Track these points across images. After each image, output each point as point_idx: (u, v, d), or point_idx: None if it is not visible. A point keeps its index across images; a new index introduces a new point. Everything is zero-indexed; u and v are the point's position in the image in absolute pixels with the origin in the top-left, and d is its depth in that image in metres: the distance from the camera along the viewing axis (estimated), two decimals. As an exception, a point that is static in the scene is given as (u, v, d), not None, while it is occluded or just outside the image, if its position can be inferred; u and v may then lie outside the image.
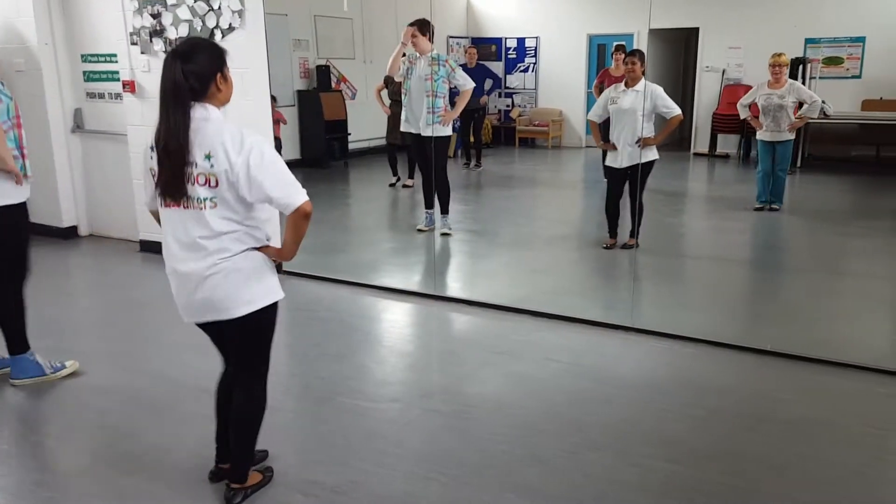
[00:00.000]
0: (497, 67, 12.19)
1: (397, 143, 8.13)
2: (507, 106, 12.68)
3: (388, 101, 8.47)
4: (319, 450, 2.93)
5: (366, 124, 9.91)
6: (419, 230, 6.44)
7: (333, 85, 10.24)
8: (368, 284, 5.01)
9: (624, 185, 5.71)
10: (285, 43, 9.59)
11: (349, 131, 10.13)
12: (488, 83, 10.03)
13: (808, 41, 10.04)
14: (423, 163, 6.31)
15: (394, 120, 7.66)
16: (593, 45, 11.91)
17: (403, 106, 6.23)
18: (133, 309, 4.70)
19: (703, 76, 11.00)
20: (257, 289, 2.34)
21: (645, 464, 2.80)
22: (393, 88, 8.13)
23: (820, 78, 9.69)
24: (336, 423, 3.14)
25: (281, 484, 2.66)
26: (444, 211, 6.28)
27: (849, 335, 4.18)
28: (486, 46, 12.36)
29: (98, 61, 6.01)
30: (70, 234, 6.34)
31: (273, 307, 2.41)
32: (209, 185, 2.21)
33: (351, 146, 10.22)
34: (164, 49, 5.25)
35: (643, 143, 5.41)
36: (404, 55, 6.07)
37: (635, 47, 7.64)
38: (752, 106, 7.05)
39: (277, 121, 7.41)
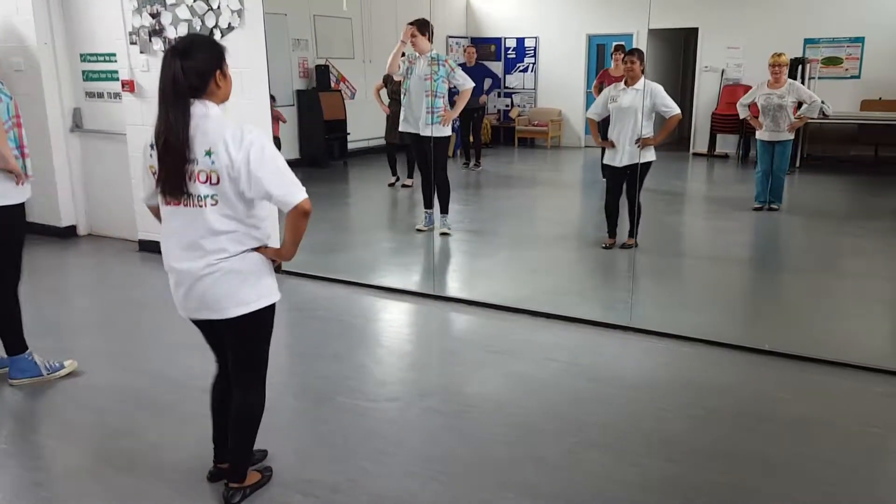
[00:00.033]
0: (496, 67, 12.18)
1: (396, 142, 8.12)
2: (507, 106, 12.68)
3: (387, 101, 8.46)
4: (318, 449, 2.93)
5: (365, 124, 9.90)
6: (418, 230, 6.44)
7: (333, 85, 10.23)
8: (367, 284, 5.01)
9: (623, 184, 5.71)
10: (284, 42, 9.58)
11: (348, 131, 10.12)
12: (487, 82, 10.02)
13: (808, 41, 10.04)
14: (422, 162, 6.31)
15: (393, 119, 7.65)
16: (592, 45, 11.92)
17: (402, 106, 6.22)
18: (132, 308, 4.70)
19: (702, 76, 11.01)
20: (253, 291, 2.33)
21: (644, 463, 2.80)
22: (392, 87, 8.12)
23: (819, 78, 9.69)
24: (335, 422, 3.14)
25: (280, 483, 2.66)
26: (444, 210, 6.28)
27: (847, 335, 4.19)
28: (485, 46, 12.36)
29: (97, 61, 6.01)
30: (69, 233, 6.34)
31: (270, 309, 2.40)
32: (210, 183, 2.21)
33: (350, 146, 10.21)
34: (163, 49, 5.25)
35: (642, 143, 5.42)
36: (404, 55, 6.07)
37: (634, 46, 7.64)
38: (752, 106, 7.06)
39: (276, 118, 7.40)
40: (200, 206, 2.23)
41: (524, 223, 7.39)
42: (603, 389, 3.46)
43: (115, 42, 5.61)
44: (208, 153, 2.19)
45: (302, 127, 9.92)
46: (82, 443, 3.02)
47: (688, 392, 3.43)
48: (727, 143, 10.78)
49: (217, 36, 4.97)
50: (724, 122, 10.40)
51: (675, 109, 5.46)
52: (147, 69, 5.42)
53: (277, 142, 6.98)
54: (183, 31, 5.16)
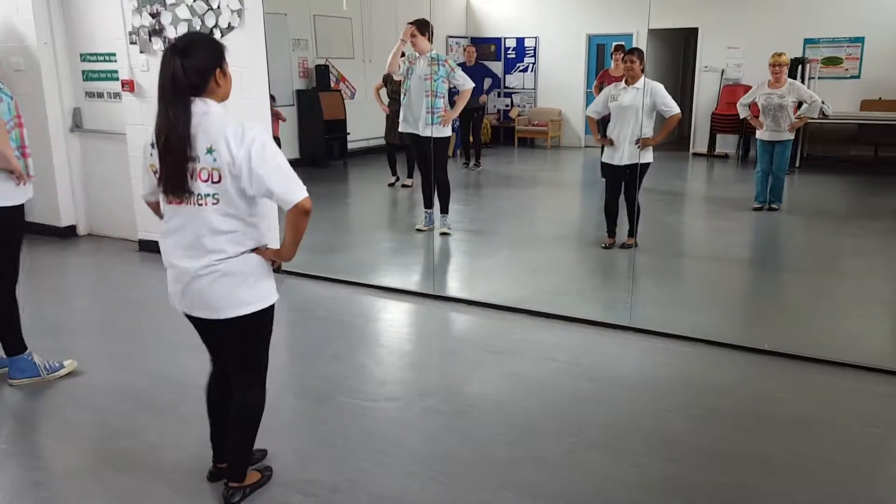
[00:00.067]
0: (496, 67, 12.18)
1: (396, 143, 8.12)
2: (507, 106, 12.67)
3: (386, 100, 8.46)
4: (318, 449, 2.93)
5: (365, 124, 9.89)
6: (418, 230, 6.44)
7: (332, 84, 10.24)
8: (367, 284, 5.01)
9: (622, 183, 5.71)
10: (284, 42, 9.58)
11: (348, 131, 10.12)
12: (487, 82, 10.02)
13: (807, 41, 10.05)
14: (422, 162, 6.31)
15: (393, 119, 7.65)
16: (592, 45, 11.92)
17: (402, 106, 6.22)
18: (132, 308, 4.69)
19: (702, 76, 11.01)
20: (250, 293, 2.33)
21: (644, 463, 2.80)
22: (392, 87, 8.11)
23: (819, 78, 9.69)
24: (335, 422, 3.14)
25: (280, 483, 2.66)
26: (444, 210, 6.28)
27: (847, 335, 4.19)
28: (485, 46, 12.35)
29: (97, 60, 6.01)
30: (69, 233, 6.34)
31: (268, 310, 2.40)
32: (211, 181, 2.20)
33: (350, 146, 10.21)
34: (163, 48, 5.24)
35: (642, 143, 5.42)
36: (403, 55, 6.07)
37: (634, 46, 7.64)
38: (753, 105, 7.06)
39: (276, 115, 7.39)
40: (201, 205, 2.23)
41: (524, 223, 7.39)
42: (603, 389, 3.46)
43: (114, 42, 5.60)
44: (210, 150, 2.18)
45: (302, 127, 9.92)
46: (82, 443, 3.02)
47: (688, 392, 3.43)
48: (727, 143, 10.79)
49: (217, 36, 4.97)
50: (724, 122, 10.41)
51: (675, 109, 5.46)
52: (147, 69, 5.42)
53: (277, 141, 6.93)
54: (183, 30, 5.15)
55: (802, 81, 8.33)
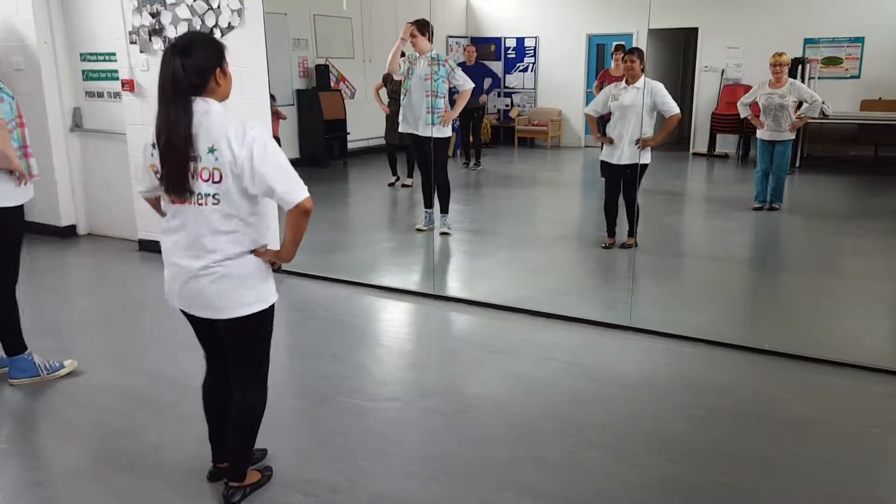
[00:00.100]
0: (496, 67, 12.18)
1: (396, 143, 8.12)
2: (507, 105, 12.68)
3: (386, 100, 8.46)
4: (318, 449, 2.93)
5: (365, 124, 9.90)
6: (418, 229, 6.44)
7: (332, 84, 10.24)
8: (367, 284, 5.01)
9: (621, 183, 5.71)
10: (284, 42, 9.58)
11: (348, 131, 10.13)
12: (487, 82, 10.03)
13: (807, 41, 10.05)
14: (422, 162, 6.31)
15: (393, 119, 7.66)
16: (592, 45, 11.92)
17: (402, 106, 6.21)
18: (132, 308, 4.69)
19: (702, 76, 11.02)
20: (249, 295, 2.32)
21: (644, 463, 2.80)
22: (392, 87, 8.11)
23: (819, 78, 9.70)
24: (335, 422, 3.14)
25: (280, 483, 2.66)
26: (444, 210, 6.28)
27: (847, 335, 4.19)
28: (485, 46, 12.35)
29: (97, 60, 6.00)
30: (69, 233, 6.34)
31: (267, 311, 2.40)
32: (212, 181, 2.20)
33: (350, 145, 10.22)
34: (163, 48, 5.24)
35: (642, 144, 5.42)
36: (404, 54, 6.07)
37: (634, 46, 7.63)
38: (753, 105, 7.06)
39: (276, 114, 7.39)
40: (201, 205, 2.23)
41: (524, 223, 7.39)
42: (603, 389, 3.46)
43: (115, 41, 5.60)
44: (211, 150, 2.18)
45: (302, 126, 9.92)
46: (82, 443, 3.02)
47: (688, 392, 3.43)
48: (727, 143, 10.79)
49: (217, 35, 4.97)
50: (724, 121, 10.42)
51: (675, 109, 5.46)
52: (147, 68, 5.42)
53: (277, 140, 6.94)
54: (183, 30, 5.15)
55: (802, 81, 8.34)
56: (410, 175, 8.42)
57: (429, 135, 5.94)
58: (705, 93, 10.98)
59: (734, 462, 2.82)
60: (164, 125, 2.17)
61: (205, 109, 2.21)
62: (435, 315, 4.57)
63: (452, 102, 6.27)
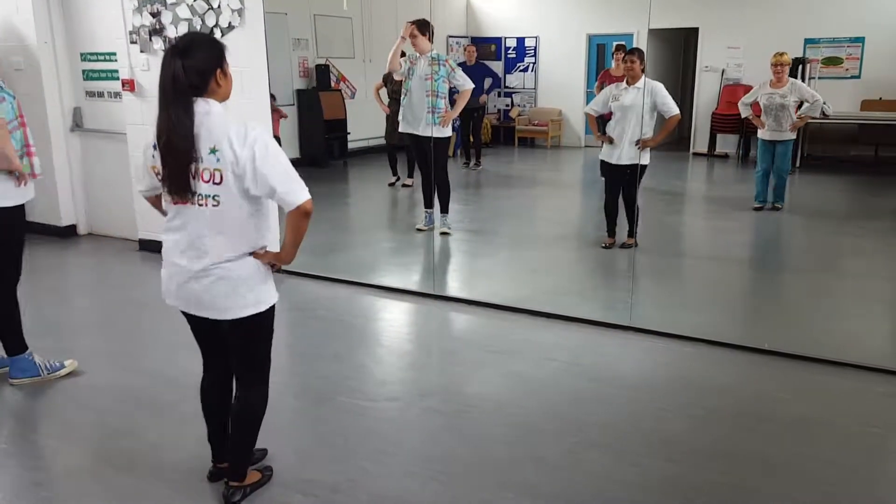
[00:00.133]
0: (496, 67, 12.18)
1: (396, 143, 8.12)
2: (507, 105, 12.68)
3: (386, 100, 8.46)
4: (318, 449, 2.93)
5: (365, 124, 9.90)
6: (418, 229, 6.44)
7: (333, 84, 10.24)
8: (368, 284, 5.01)
9: (621, 183, 5.71)
10: (285, 42, 9.58)
11: (348, 130, 10.13)
12: (487, 82, 10.02)
13: (808, 41, 10.05)
14: (422, 162, 6.31)
15: (393, 119, 7.66)
16: (593, 45, 11.92)
17: (402, 106, 6.21)
18: (132, 308, 4.69)
19: (702, 76, 11.01)
20: (249, 296, 2.32)
21: (644, 463, 2.80)
22: (392, 87, 8.11)
23: (819, 78, 9.70)
24: (335, 422, 3.14)
25: (280, 483, 2.66)
26: (444, 210, 6.28)
27: (847, 335, 4.19)
28: (485, 46, 12.36)
29: (97, 60, 6.00)
30: (69, 232, 6.34)
31: (267, 311, 2.40)
32: (213, 182, 2.20)
33: (350, 145, 10.22)
34: (163, 48, 5.25)
35: (642, 144, 5.42)
36: (404, 54, 6.07)
37: (634, 46, 7.64)
38: (754, 105, 7.06)
39: (276, 110, 7.38)
40: (202, 206, 2.23)
41: (524, 223, 7.39)
42: (603, 389, 3.46)
43: (115, 41, 5.60)
44: (213, 151, 2.18)
45: (302, 126, 9.92)
46: (82, 443, 3.02)
47: (688, 392, 3.43)
48: (727, 143, 10.79)
49: (217, 35, 4.97)
50: (725, 121, 10.42)
51: (675, 110, 5.46)
52: (147, 68, 5.42)
53: (278, 140, 6.95)
54: (183, 30, 5.15)
55: (803, 81, 8.33)
56: (411, 175, 8.42)
57: (429, 135, 5.93)
58: (706, 93, 10.98)
59: (734, 462, 2.82)
60: (165, 126, 2.17)
61: (205, 110, 2.20)
62: (435, 315, 4.57)
63: (453, 102, 6.27)
